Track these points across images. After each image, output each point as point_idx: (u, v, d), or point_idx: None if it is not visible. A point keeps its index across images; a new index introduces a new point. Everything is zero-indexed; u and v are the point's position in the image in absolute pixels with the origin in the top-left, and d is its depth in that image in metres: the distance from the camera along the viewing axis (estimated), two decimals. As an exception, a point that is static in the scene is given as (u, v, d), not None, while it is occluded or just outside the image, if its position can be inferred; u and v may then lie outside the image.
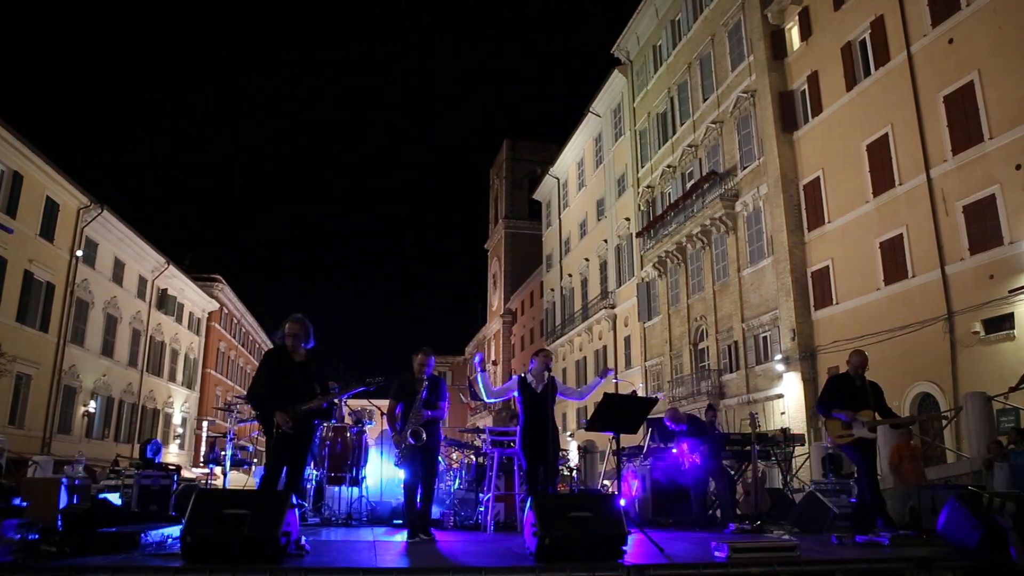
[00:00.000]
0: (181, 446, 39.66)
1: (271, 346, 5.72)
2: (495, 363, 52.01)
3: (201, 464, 25.98)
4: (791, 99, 21.48)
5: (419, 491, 6.27)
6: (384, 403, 7.60)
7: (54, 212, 25.30)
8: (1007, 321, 14.49)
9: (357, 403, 10.18)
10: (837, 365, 17.21)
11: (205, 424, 41.08)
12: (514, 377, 6.49)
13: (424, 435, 6.18)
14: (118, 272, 30.94)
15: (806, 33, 21.06)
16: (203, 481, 10.85)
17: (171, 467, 9.00)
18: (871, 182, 18.20)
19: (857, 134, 18.72)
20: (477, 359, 7.01)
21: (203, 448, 35.13)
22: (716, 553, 4.74)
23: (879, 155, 18.02)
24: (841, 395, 6.62)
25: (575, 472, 11.91)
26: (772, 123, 21.39)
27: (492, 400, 6.53)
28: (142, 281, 33.65)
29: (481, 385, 6.77)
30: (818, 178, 20.14)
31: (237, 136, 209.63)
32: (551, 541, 4.39)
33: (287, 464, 5.36)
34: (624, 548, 4.60)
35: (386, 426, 8.58)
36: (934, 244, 16.17)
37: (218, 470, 9.58)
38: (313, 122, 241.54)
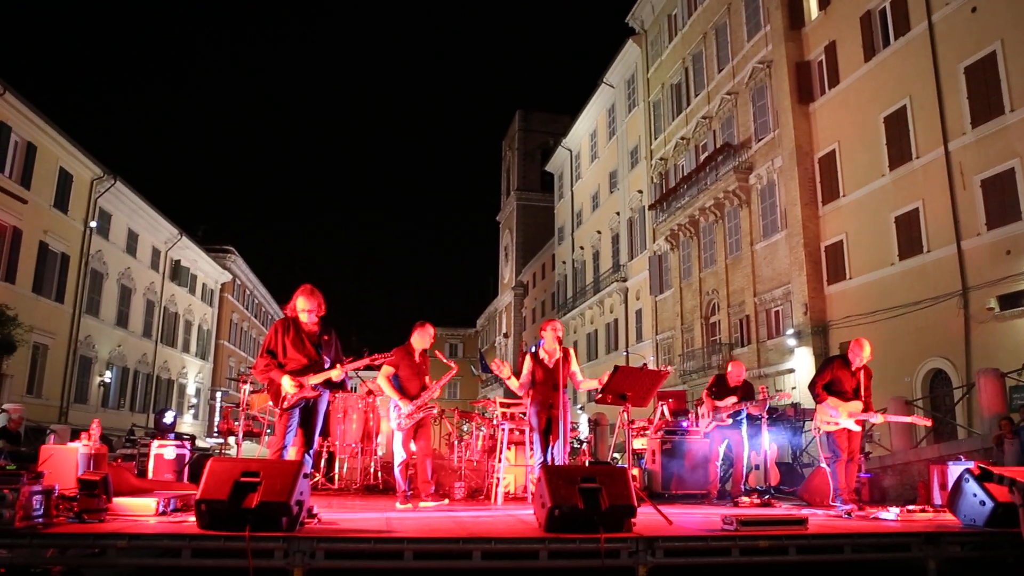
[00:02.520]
0: (195, 416, 40.17)
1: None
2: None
3: (215, 434, 26.33)
4: (808, 70, 21.14)
5: (421, 458, 6.49)
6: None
7: (68, 183, 25.39)
8: (1023, 298, 14.35)
9: (370, 374, 10.26)
10: (849, 341, 17.12)
11: (219, 395, 41.57)
12: (527, 353, 6.43)
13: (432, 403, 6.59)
14: (132, 243, 31.11)
15: (824, 2, 20.65)
16: (217, 450, 11.01)
17: (186, 436, 9.13)
18: (887, 155, 17.94)
19: (874, 106, 18.42)
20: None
21: (217, 418, 35.56)
22: (725, 525, 4.77)
23: (896, 128, 17.74)
24: (833, 381, 6.88)
25: (585, 444, 11.99)
26: (788, 94, 21.08)
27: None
28: (155, 252, 33.85)
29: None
30: (834, 151, 19.88)
31: (250, 108, 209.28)
32: (560, 512, 4.42)
33: (300, 434, 5.41)
34: (633, 520, 4.64)
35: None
36: (950, 219, 15.97)
37: (231, 440, 9.71)
38: (324, 93, 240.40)
